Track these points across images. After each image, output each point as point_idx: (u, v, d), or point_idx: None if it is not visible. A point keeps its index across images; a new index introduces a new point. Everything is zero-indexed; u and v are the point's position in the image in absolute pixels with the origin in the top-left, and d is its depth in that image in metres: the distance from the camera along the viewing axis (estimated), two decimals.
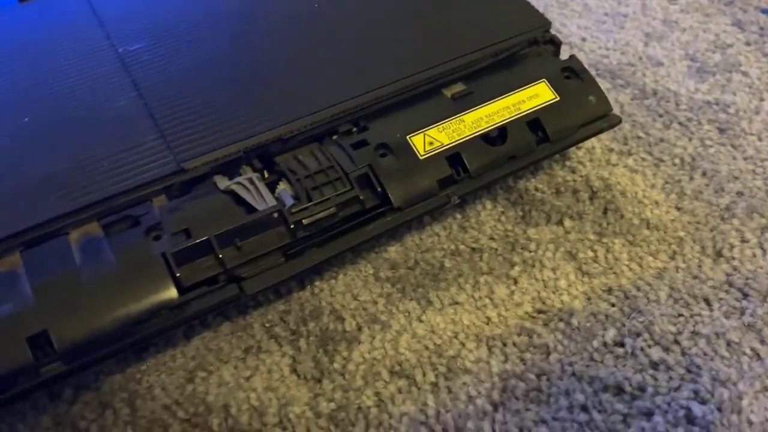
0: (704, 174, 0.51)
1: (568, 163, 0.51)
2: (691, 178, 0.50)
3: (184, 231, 0.38)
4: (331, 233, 0.40)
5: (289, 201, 0.40)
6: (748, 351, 0.40)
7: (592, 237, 0.47)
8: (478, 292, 0.44)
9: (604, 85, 0.59)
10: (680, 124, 0.55)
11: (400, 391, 0.40)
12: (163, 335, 0.41)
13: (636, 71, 0.60)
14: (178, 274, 0.37)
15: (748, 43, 0.62)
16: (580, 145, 0.52)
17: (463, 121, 0.44)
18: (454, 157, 0.43)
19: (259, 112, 0.43)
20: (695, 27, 0.64)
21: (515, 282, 0.44)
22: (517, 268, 0.45)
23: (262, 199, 0.40)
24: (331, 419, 0.38)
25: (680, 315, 0.42)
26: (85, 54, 0.47)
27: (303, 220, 0.39)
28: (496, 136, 0.44)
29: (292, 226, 0.39)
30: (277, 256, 0.39)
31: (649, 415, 0.38)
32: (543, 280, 0.44)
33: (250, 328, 0.43)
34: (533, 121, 0.45)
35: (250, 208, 0.40)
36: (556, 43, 0.49)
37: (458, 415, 0.38)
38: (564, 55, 0.60)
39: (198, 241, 0.37)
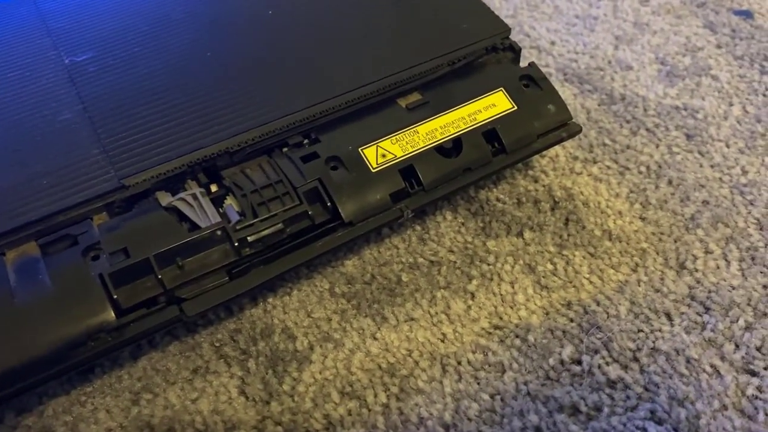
0: (670, 182, 0.50)
1: (530, 172, 0.50)
2: (657, 187, 0.49)
3: (122, 250, 0.37)
4: (278, 250, 0.39)
5: (234, 217, 0.39)
6: (707, 368, 0.39)
7: (552, 249, 0.46)
8: (435, 308, 0.43)
9: (571, 90, 0.57)
10: (647, 130, 0.54)
11: (350, 413, 0.38)
12: (106, 357, 0.40)
13: (605, 76, 0.59)
14: (115, 296, 0.35)
15: (719, 46, 0.61)
16: (544, 153, 0.51)
17: (417, 132, 0.43)
18: (407, 169, 0.42)
19: (205, 124, 0.42)
20: (666, 29, 0.63)
21: (472, 296, 0.43)
22: (475, 282, 0.44)
23: (206, 216, 0.39)
24: None
25: (640, 330, 0.41)
26: (30, 65, 0.46)
27: (248, 237, 0.38)
28: (451, 148, 0.43)
29: (236, 244, 0.38)
30: (221, 275, 0.38)
31: None
32: (501, 295, 0.43)
33: (199, 348, 0.42)
34: (489, 132, 0.44)
35: (194, 225, 0.38)
36: (515, 50, 0.48)
37: None
38: (533, 59, 0.59)
39: (136, 260, 0.36)
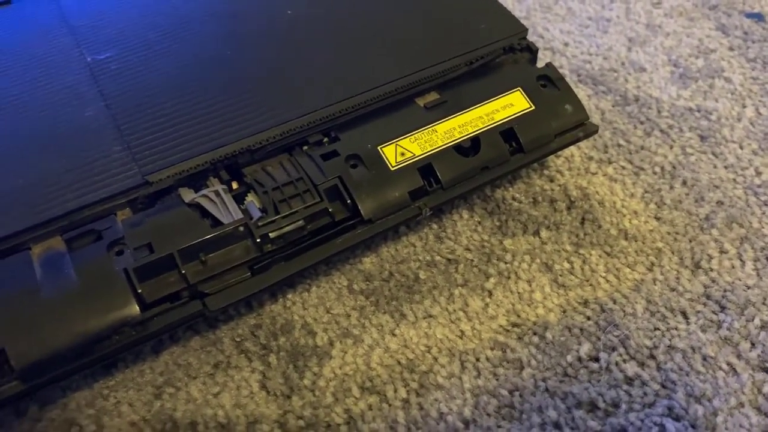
0: (684, 183, 0.50)
1: (546, 171, 0.51)
2: (672, 187, 0.50)
3: (146, 245, 0.37)
4: (299, 246, 0.40)
5: (256, 214, 0.39)
6: (724, 366, 0.40)
7: (568, 248, 0.46)
8: (453, 305, 0.43)
9: (585, 91, 0.58)
10: (661, 131, 0.54)
11: (370, 407, 0.39)
12: (129, 351, 0.40)
13: (618, 77, 0.59)
14: (140, 291, 0.36)
15: (731, 48, 0.62)
16: (559, 153, 0.52)
17: (436, 131, 0.43)
18: (426, 168, 0.42)
19: (227, 122, 0.42)
20: (679, 32, 0.64)
21: (490, 294, 0.44)
22: (492, 280, 0.44)
23: (228, 212, 0.39)
24: None
25: (656, 329, 0.42)
26: (54, 63, 0.46)
27: (270, 234, 0.39)
28: (469, 147, 0.44)
29: (258, 240, 0.38)
30: (243, 270, 0.38)
31: None
32: (518, 293, 0.44)
33: (220, 343, 0.42)
34: (507, 131, 0.44)
35: (216, 222, 0.39)
36: (532, 51, 0.49)
37: None
38: (547, 60, 0.60)
39: (160, 256, 0.37)
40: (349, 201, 0.41)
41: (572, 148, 0.52)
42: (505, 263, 0.45)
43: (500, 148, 0.44)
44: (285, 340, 0.42)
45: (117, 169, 0.40)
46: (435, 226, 0.48)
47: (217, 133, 0.42)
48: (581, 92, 0.58)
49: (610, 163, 0.52)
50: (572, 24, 0.65)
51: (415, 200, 0.42)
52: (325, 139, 0.43)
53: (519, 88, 0.46)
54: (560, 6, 0.68)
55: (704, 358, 0.40)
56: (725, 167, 0.51)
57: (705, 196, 0.49)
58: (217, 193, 0.40)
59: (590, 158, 0.52)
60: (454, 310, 0.43)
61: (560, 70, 0.60)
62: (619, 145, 0.53)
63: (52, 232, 0.38)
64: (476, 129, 0.44)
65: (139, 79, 0.45)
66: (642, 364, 0.40)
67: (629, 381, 0.39)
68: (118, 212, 0.40)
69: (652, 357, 0.40)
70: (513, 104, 0.45)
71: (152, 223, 0.39)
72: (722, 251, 0.46)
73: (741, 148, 0.53)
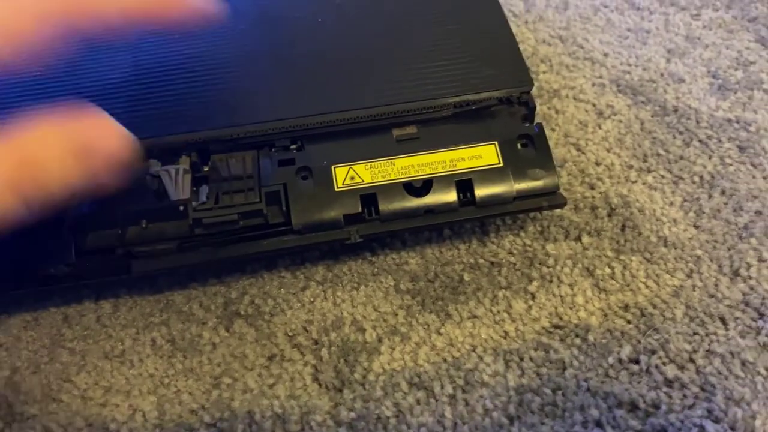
0: (723, 192, 0.51)
1: (587, 179, 0.52)
2: (710, 197, 0.51)
3: (99, 201, 0.42)
4: (229, 238, 0.43)
5: (203, 199, 0.43)
6: (762, 371, 0.41)
7: (609, 254, 0.47)
8: (497, 306, 0.45)
9: (625, 101, 0.59)
10: (700, 141, 0.55)
11: (418, 402, 0.41)
12: (61, 287, 0.44)
13: (657, 87, 0.60)
14: (79, 238, 0.41)
15: None
16: (599, 160, 0.53)
17: (393, 164, 0.44)
18: (369, 196, 0.44)
19: (207, 110, 0.46)
20: (718, 43, 0.65)
21: (533, 297, 0.45)
22: (535, 283, 0.46)
23: (179, 191, 0.43)
24: (351, 428, 0.40)
25: (696, 333, 0.43)
26: None
27: (203, 219, 0.42)
28: (420, 187, 0.44)
29: (191, 222, 0.42)
30: (171, 245, 0.42)
31: None
32: (560, 296, 0.45)
33: (274, 337, 0.44)
34: (465, 182, 0.44)
35: (165, 196, 0.43)
36: (530, 107, 0.48)
37: (475, 427, 0.39)
38: (587, 71, 0.61)
39: (105, 212, 0.42)
40: (285, 208, 0.43)
41: (612, 156, 0.54)
42: (548, 267, 0.47)
43: (450, 196, 0.44)
44: (336, 336, 0.44)
45: None
46: (477, 230, 0.50)
47: (194, 118, 0.45)
48: (621, 102, 0.59)
49: (649, 172, 0.53)
50: (612, 35, 0.67)
51: (348, 224, 0.43)
52: (293, 146, 0.46)
53: (496, 142, 0.46)
54: (600, 17, 0.69)
55: (743, 363, 0.41)
56: (764, 178, 0.52)
57: (744, 205, 0.50)
58: (177, 171, 0.44)
59: (630, 167, 0.53)
60: (498, 312, 0.45)
61: (600, 80, 0.62)
62: (659, 155, 0.54)
63: None
64: (434, 172, 0.44)
65: (174, 52, 0.49)
66: (681, 368, 0.41)
67: (669, 383, 0.41)
68: None
69: (692, 361, 0.41)
70: (481, 156, 0.45)
71: None
72: (761, 260, 0.47)
73: None
